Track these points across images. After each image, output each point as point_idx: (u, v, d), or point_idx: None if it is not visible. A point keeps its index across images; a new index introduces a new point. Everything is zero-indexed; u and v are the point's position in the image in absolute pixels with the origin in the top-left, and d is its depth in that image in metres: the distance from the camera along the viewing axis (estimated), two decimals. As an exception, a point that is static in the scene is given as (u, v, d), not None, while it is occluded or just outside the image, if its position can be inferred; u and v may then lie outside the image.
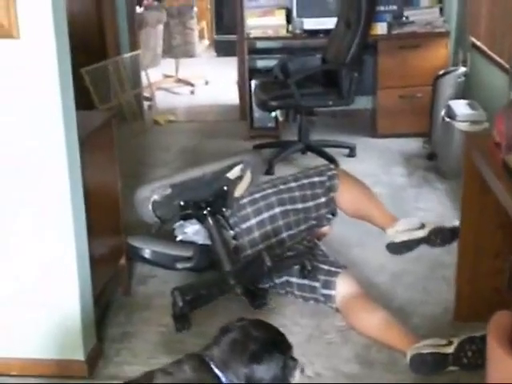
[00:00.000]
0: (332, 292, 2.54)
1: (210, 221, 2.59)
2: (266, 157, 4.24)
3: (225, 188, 2.58)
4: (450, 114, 3.95)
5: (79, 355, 2.29)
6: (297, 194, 2.79)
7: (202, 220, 2.62)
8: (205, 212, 2.58)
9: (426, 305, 2.70)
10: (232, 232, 2.74)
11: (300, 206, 2.78)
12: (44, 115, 2.08)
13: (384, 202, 3.68)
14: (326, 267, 2.60)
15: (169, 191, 2.56)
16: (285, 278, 2.67)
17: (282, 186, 2.81)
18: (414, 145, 4.59)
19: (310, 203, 2.79)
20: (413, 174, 4.14)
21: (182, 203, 2.57)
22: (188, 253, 2.73)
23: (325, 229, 3.04)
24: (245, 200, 2.74)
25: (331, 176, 2.83)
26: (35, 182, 2.15)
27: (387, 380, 2.25)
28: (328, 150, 4.36)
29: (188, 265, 2.74)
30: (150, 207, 2.59)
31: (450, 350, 2.18)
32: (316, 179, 2.83)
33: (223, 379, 1.68)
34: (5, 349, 2.31)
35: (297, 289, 2.65)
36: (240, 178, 2.62)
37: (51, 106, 2.07)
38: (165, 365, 1.75)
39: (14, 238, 2.21)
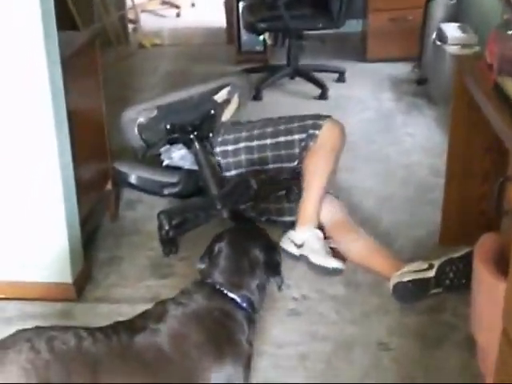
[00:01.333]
0: None
1: (197, 145, 2.55)
2: (254, 81, 4.16)
3: (212, 111, 2.52)
4: (441, 38, 3.87)
5: (67, 278, 2.30)
6: (269, 154, 2.58)
7: (188, 144, 2.58)
8: (191, 136, 2.54)
9: (412, 228, 2.72)
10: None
11: (271, 166, 2.59)
12: (24, 35, 2.01)
13: (373, 127, 3.69)
14: None
15: (155, 113, 2.50)
16: (265, 217, 2.66)
17: (256, 142, 2.57)
18: (403, 69, 4.52)
19: (284, 164, 2.59)
20: (402, 99, 4.09)
21: (168, 126, 2.52)
22: (174, 178, 2.68)
23: None
24: (217, 149, 2.62)
25: (311, 135, 2.51)
26: (17, 106, 2.09)
27: (372, 302, 2.28)
28: (317, 75, 4.29)
29: (174, 190, 2.70)
30: (136, 130, 2.54)
31: (431, 273, 2.20)
32: (296, 137, 2.54)
33: (239, 300, 1.66)
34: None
35: (282, 226, 2.63)
36: (227, 101, 2.55)
37: (31, 26, 1.99)
38: (175, 295, 1.70)
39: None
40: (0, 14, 1.99)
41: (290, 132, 2.55)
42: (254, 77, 4.34)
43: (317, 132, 2.51)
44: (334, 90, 4.19)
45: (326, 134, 2.51)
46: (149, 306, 1.67)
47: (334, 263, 2.38)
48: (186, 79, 4.43)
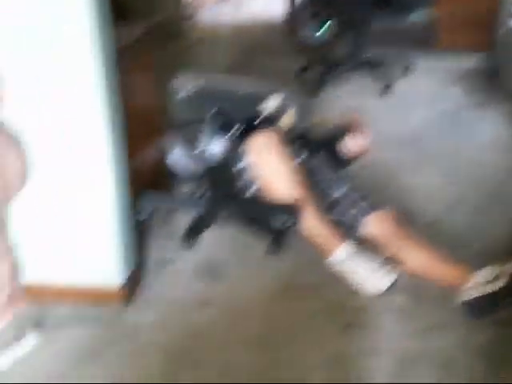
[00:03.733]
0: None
1: (235, 143, 2.37)
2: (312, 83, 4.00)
3: (262, 116, 2.36)
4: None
5: (117, 280, 2.22)
6: None
7: (229, 138, 2.40)
8: (236, 130, 2.36)
9: (483, 232, 2.52)
10: None
11: None
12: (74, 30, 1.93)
13: (441, 123, 3.48)
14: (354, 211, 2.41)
15: (199, 90, 2.37)
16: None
17: None
18: (474, 60, 4.29)
19: None
20: (472, 93, 3.87)
21: (214, 111, 2.38)
22: (201, 169, 2.49)
23: (361, 144, 2.81)
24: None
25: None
26: (70, 104, 2.03)
27: (436, 316, 2.11)
28: (382, 68, 4.11)
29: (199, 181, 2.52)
30: (180, 100, 2.43)
31: (500, 284, 2.01)
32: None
33: None
34: (40, 274, 2.25)
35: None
36: (280, 113, 2.36)
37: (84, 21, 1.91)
38: None
39: (47, 163, 2.11)
40: (50, 15, 1.91)
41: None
42: (315, 69, 4.21)
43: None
44: (399, 83, 4.01)
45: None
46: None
47: (376, 285, 2.19)
48: (246, 72, 4.33)
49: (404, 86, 4.00)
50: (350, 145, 2.80)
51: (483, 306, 2.02)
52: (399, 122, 3.55)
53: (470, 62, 4.29)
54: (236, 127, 2.37)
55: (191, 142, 2.59)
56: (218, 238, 2.56)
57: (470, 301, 2.04)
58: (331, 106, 3.66)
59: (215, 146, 2.51)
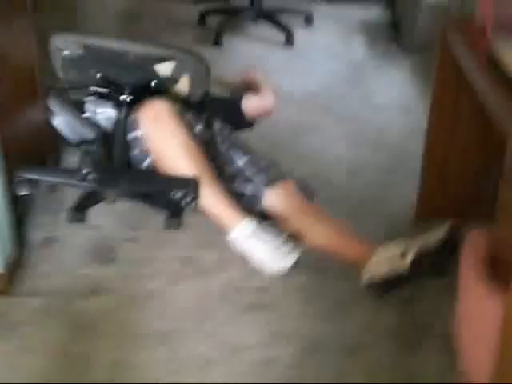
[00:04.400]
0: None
1: (124, 111, 2.14)
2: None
3: (154, 82, 2.13)
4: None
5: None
6: None
7: (117, 105, 2.18)
8: (125, 99, 2.12)
9: (385, 201, 2.46)
10: None
11: None
12: None
13: (342, 79, 3.38)
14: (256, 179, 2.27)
15: (81, 51, 2.11)
16: None
17: None
18: (375, 12, 4.19)
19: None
20: (373, 45, 3.78)
21: (98, 75, 2.13)
22: (91, 135, 2.28)
23: (262, 104, 2.60)
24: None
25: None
26: None
27: (340, 294, 2.02)
28: (283, 18, 3.93)
29: (90, 148, 2.28)
30: (61, 61, 2.16)
31: (405, 265, 1.94)
32: None
33: None
34: None
35: None
36: (173, 80, 2.13)
37: None
38: None
39: None
40: None
41: None
42: (214, 19, 3.98)
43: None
44: (300, 34, 3.85)
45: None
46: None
47: (278, 264, 2.09)
48: (139, 21, 4.04)
49: (305, 37, 3.85)
50: (251, 106, 2.64)
51: (389, 284, 1.95)
52: (301, 77, 3.41)
53: (371, 11, 4.19)
54: (125, 93, 2.14)
55: (79, 105, 2.35)
56: (110, 215, 2.36)
57: (375, 278, 1.96)
58: (232, 59, 3.47)
59: (104, 113, 2.28)
